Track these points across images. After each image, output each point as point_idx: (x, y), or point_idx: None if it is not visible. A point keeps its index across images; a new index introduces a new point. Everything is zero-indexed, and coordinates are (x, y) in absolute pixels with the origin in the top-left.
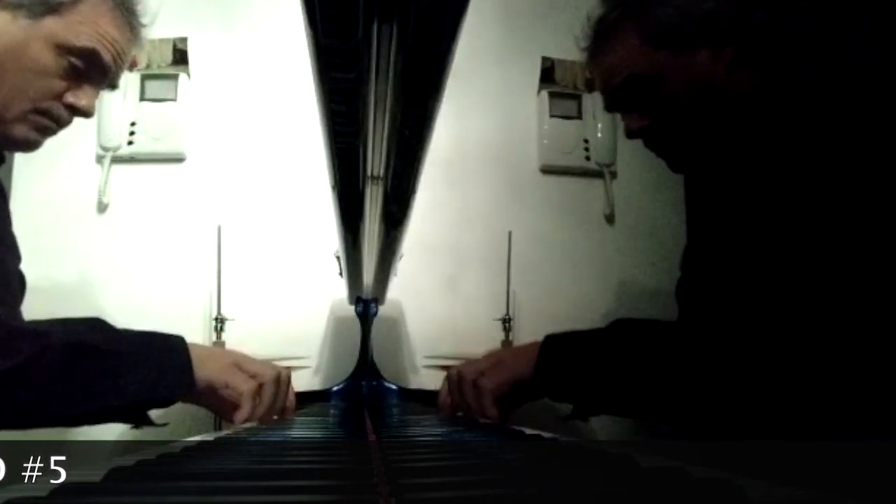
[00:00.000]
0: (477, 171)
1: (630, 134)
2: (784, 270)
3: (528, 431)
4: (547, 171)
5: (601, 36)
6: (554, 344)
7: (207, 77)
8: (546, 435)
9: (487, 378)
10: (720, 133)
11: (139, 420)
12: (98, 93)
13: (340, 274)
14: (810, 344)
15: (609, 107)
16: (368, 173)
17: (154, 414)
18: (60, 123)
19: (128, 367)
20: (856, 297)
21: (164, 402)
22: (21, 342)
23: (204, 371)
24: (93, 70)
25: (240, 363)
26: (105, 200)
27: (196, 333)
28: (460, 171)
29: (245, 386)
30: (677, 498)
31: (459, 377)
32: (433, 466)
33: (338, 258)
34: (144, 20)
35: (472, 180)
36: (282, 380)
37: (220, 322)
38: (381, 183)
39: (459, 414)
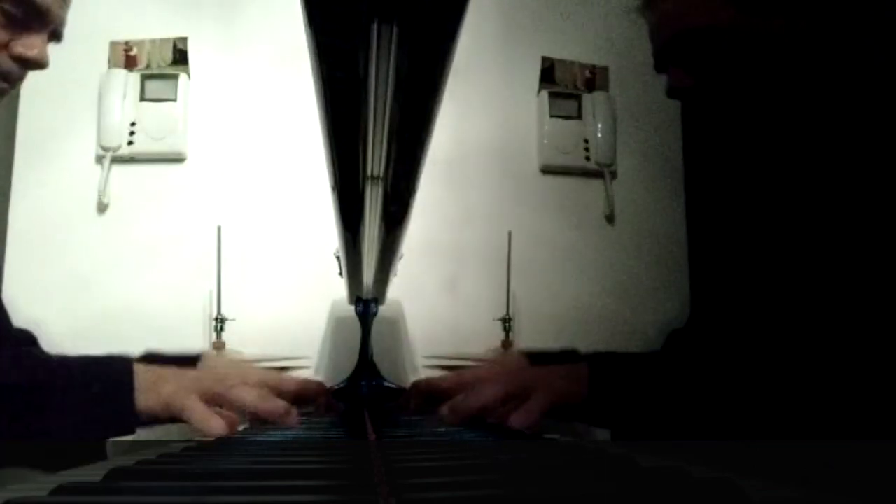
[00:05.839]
0: (477, 171)
1: (671, 92)
2: (791, 274)
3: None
4: (547, 171)
5: None
6: (603, 366)
7: (207, 77)
8: (546, 435)
9: (535, 401)
10: (770, 108)
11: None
12: (46, 41)
13: (340, 274)
14: (823, 345)
15: (658, 60)
16: (368, 173)
17: None
18: (11, 80)
19: (57, 402)
20: (871, 296)
21: (105, 434)
22: None
23: (151, 399)
24: (32, 17)
25: (204, 391)
26: (105, 200)
27: (196, 333)
28: (460, 171)
29: (207, 422)
30: (677, 498)
31: (496, 390)
32: (433, 466)
33: (338, 258)
34: None
35: (472, 180)
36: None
37: (220, 322)
38: (381, 183)
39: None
